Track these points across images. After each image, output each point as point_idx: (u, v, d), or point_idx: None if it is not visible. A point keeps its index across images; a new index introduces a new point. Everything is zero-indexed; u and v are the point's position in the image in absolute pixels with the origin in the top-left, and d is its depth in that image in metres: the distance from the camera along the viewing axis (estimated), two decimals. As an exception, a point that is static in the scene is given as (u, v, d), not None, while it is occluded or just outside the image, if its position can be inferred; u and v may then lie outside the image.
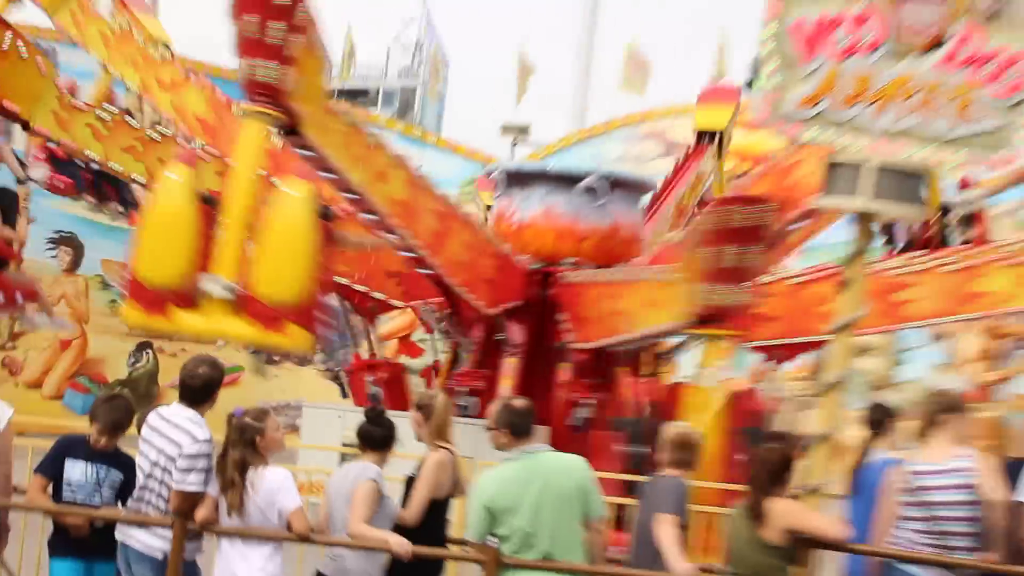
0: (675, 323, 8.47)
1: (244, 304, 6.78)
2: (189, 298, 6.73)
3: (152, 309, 6.74)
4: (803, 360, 11.06)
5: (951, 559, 5.07)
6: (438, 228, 8.76)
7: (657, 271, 9.27)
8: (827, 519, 5.27)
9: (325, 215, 7.34)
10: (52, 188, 12.73)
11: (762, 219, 7.56)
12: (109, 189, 14.50)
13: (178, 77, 9.45)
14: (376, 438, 5.43)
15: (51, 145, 10.80)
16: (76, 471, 5.39)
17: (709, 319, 7.87)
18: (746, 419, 8.41)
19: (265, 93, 6.70)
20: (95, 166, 9.71)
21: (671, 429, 5.59)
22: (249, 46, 6.51)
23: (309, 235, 6.97)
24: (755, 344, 10.05)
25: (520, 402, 5.32)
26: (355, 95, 22.81)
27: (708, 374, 8.55)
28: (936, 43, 4.81)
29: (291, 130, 7.05)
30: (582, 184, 9.93)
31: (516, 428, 5.06)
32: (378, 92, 25.14)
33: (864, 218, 5.10)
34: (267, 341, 7.38)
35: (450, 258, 8.96)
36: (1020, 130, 4.80)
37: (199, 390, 5.24)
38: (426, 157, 16.13)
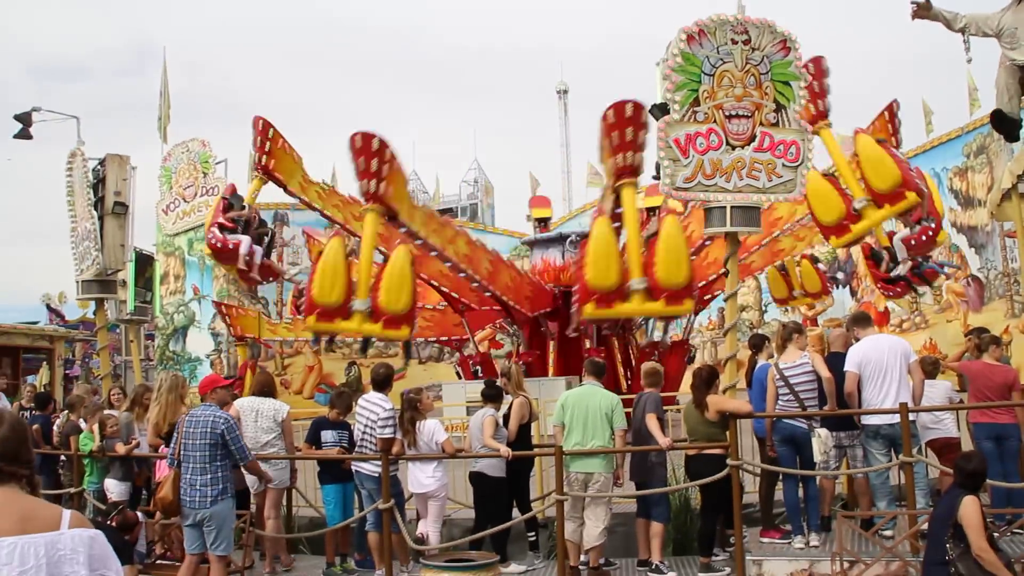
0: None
1: (373, 314, 9.52)
2: (345, 311, 9.46)
3: (323, 319, 9.43)
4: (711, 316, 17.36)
5: (808, 412, 7.73)
6: (491, 269, 12.86)
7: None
8: (739, 402, 7.87)
9: None
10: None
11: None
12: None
13: (357, 211, 13.30)
14: (491, 394, 8.39)
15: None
16: (327, 435, 8.33)
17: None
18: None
19: (375, 197, 9.98)
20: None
21: (645, 366, 8.47)
22: (363, 174, 9.82)
23: (409, 275, 9.80)
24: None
25: (599, 359, 8.18)
26: (444, 211, 41.88)
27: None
28: (750, 140, 7.86)
29: (392, 217, 10.54)
30: (568, 241, 15.56)
31: (593, 370, 7.94)
32: (457, 208, 45.98)
33: (730, 235, 8.20)
34: (386, 335, 9.84)
35: (501, 285, 13.15)
36: (801, 178, 8.10)
37: (382, 382, 8.17)
38: (488, 238, 27.11)
